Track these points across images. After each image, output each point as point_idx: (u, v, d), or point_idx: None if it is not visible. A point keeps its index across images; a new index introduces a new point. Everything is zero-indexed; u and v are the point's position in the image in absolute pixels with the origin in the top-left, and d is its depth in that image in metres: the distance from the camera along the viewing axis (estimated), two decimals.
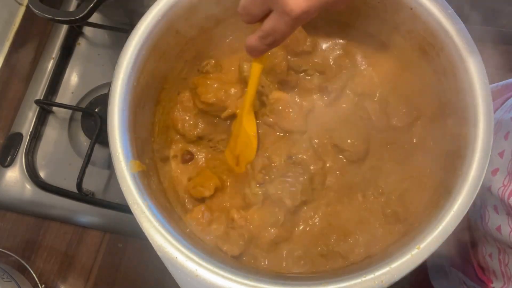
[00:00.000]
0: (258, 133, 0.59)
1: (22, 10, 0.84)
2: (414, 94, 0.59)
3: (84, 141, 0.76)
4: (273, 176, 0.56)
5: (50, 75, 0.78)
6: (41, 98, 0.76)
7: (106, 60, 0.80)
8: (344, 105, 0.60)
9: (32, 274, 0.69)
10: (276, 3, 0.40)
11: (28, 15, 0.83)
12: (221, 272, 0.44)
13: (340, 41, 0.63)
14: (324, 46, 0.63)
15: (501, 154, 0.53)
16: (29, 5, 0.59)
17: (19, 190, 0.73)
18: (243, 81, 0.60)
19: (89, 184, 0.70)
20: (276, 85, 0.59)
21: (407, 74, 0.60)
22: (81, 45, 0.81)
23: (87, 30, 0.82)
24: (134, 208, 0.46)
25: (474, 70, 0.48)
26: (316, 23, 0.62)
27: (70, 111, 0.77)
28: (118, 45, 0.79)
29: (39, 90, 0.77)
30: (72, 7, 0.81)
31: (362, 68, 0.61)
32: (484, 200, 0.55)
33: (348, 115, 0.59)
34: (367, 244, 0.53)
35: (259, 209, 0.55)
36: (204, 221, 0.55)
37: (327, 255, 0.54)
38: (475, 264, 0.59)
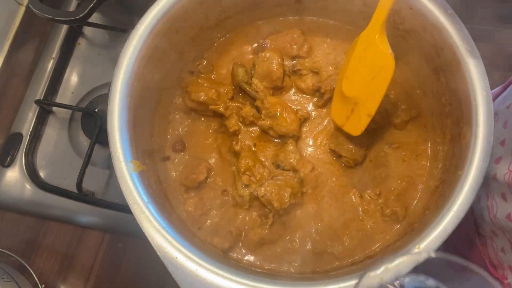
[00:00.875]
0: (250, 144, 0.59)
1: (22, 10, 0.84)
2: (413, 94, 0.59)
3: (84, 141, 0.76)
4: (259, 177, 0.56)
5: (50, 75, 0.78)
6: (41, 98, 0.76)
7: (106, 60, 0.80)
8: None
9: (32, 274, 0.69)
10: None
11: (28, 15, 0.83)
12: (221, 272, 0.44)
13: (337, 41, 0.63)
14: (319, 48, 0.63)
15: (502, 143, 0.52)
16: (29, 5, 0.59)
17: (19, 190, 0.73)
18: (236, 85, 0.60)
19: (89, 184, 0.70)
20: (271, 91, 0.60)
21: (406, 74, 0.60)
22: (81, 45, 0.81)
23: (87, 30, 0.82)
24: (134, 208, 0.46)
25: (474, 70, 0.48)
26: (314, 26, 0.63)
27: (70, 111, 0.77)
28: (118, 45, 0.79)
29: (39, 90, 0.77)
30: (72, 7, 0.81)
31: None
32: (489, 191, 0.55)
33: None
34: (362, 245, 0.53)
35: (246, 210, 0.55)
36: (195, 214, 0.55)
37: (322, 255, 0.54)
38: (488, 263, 0.58)
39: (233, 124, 0.58)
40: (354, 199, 0.56)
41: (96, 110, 0.74)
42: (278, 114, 0.57)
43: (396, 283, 0.30)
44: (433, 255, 0.29)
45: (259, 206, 0.55)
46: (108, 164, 0.73)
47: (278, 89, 0.60)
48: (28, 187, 0.73)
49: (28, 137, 0.74)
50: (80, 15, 0.59)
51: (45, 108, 0.76)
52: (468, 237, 0.61)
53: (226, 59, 0.63)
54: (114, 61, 0.51)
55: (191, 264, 0.44)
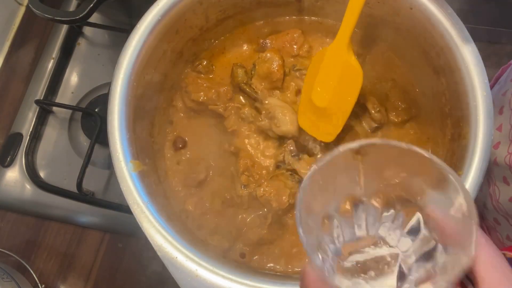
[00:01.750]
0: (248, 144, 0.58)
1: (22, 10, 0.84)
2: (413, 93, 0.59)
3: (84, 141, 0.76)
4: (257, 177, 0.56)
5: (50, 75, 0.78)
6: (41, 98, 0.76)
7: (106, 60, 0.80)
8: None
9: (32, 274, 0.69)
10: None
11: (28, 15, 0.83)
12: (221, 272, 0.44)
13: None
14: (320, 48, 0.63)
15: (499, 128, 0.52)
16: (29, 5, 0.59)
17: (19, 190, 0.73)
18: (236, 86, 0.60)
19: (89, 184, 0.70)
20: (271, 92, 0.60)
21: (406, 73, 0.60)
22: (81, 45, 0.81)
23: (87, 30, 0.82)
24: (134, 208, 0.46)
25: (474, 70, 0.48)
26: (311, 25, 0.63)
27: (70, 111, 0.77)
28: (118, 45, 0.79)
29: (39, 90, 0.77)
30: (72, 7, 0.81)
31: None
32: (490, 177, 0.55)
33: None
34: None
35: (245, 210, 0.55)
36: (195, 213, 0.55)
37: None
38: None
39: (231, 124, 0.58)
40: None
41: (96, 110, 0.74)
42: (278, 115, 0.57)
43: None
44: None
45: (258, 206, 0.55)
46: (108, 164, 0.73)
47: (278, 90, 0.60)
48: (28, 187, 0.73)
49: (28, 137, 0.74)
50: (80, 15, 0.59)
51: (45, 108, 0.76)
52: None
53: (226, 59, 0.63)
54: (114, 61, 0.51)
55: (191, 264, 0.44)
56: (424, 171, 0.29)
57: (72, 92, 0.78)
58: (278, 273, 0.53)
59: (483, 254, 0.27)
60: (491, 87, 0.63)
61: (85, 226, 0.72)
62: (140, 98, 0.53)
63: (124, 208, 0.69)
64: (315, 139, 0.57)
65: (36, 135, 0.75)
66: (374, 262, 0.30)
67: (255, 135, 0.59)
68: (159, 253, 0.44)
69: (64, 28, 0.80)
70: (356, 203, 0.32)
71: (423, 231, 0.30)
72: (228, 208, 0.56)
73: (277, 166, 0.57)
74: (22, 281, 0.66)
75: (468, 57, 0.48)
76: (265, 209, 0.55)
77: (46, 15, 0.59)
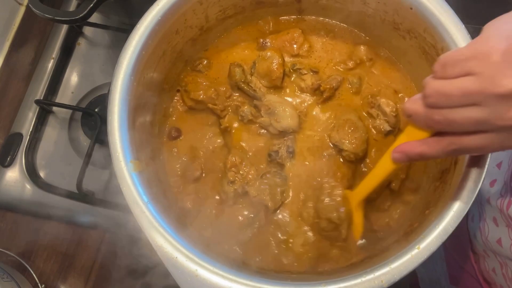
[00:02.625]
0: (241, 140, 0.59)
1: (22, 10, 0.84)
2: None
3: (84, 141, 0.76)
4: (245, 174, 0.56)
5: (50, 75, 0.78)
6: (41, 98, 0.76)
7: (106, 60, 0.80)
8: (339, 105, 0.60)
9: (32, 274, 0.69)
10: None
11: (28, 15, 0.83)
12: (221, 272, 0.44)
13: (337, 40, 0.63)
14: (319, 48, 0.63)
15: (499, 165, 0.52)
16: (29, 5, 0.59)
17: (19, 190, 0.73)
18: (234, 85, 0.60)
19: (89, 184, 0.70)
20: (270, 90, 0.60)
21: (406, 74, 0.60)
22: (81, 45, 0.81)
23: (87, 30, 0.82)
24: (134, 208, 0.46)
25: None
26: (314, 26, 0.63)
27: (70, 111, 0.77)
28: (118, 45, 0.79)
29: (39, 90, 0.77)
30: (72, 7, 0.81)
31: (357, 68, 0.62)
32: (482, 212, 0.55)
33: (344, 114, 0.59)
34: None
35: (230, 207, 0.56)
36: (193, 210, 0.56)
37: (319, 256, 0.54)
38: (481, 279, 0.58)
39: (225, 121, 0.59)
40: None
41: (96, 110, 0.74)
42: (278, 111, 0.57)
43: None
44: None
45: (244, 204, 0.55)
46: (108, 164, 0.73)
47: (277, 88, 0.60)
48: (28, 187, 0.73)
49: (28, 137, 0.75)
50: (80, 15, 0.59)
51: (45, 108, 0.76)
52: (463, 251, 0.60)
53: (226, 59, 0.63)
54: (114, 61, 0.51)
55: (191, 264, 0.44)
56: None
57: (72, 92, 0.78)
58: (278, 273, 0.53)
59: None
60: None
61: (85, 226, 0.72)
62: (140, 98, 0.53)
63: (124, 208, 0.69)
64: None
65: (36, 135, 0.75)
66: None
67: (249, 131, 0.59)
68: (159, 253, 0.44)
69: (64, 28, 0.80)
70: None
71: None
72: (218, 205, 0.57)
73: (269, 155, 0.57)
74: (22, 281, 0.66)
75: None
76: (255, 210, 0.55)
77: (46, 15, 0.59)
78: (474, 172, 0.45)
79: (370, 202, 0.55)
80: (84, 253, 0.71)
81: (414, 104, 0.37)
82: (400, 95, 0.60)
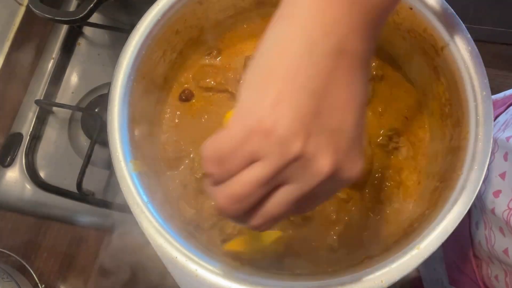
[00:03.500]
0: None
1: (22, 10, 0.84)
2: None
3: (84, 141, 0.76)
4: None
5: (50, 75, 0.78)
6: (41, 98, 0.76)
7: (106, 60, 0.80)
8: None
9: (32, 274, 0.69)
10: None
11: (28, 15, 0.83)
12: (221, 272, 0.44)
13: None
14: None
15: (502, 176, 0.52)
16: (29, 5, 0.59)
17: (19, 190, 0.73)
18: None
19: (89, 184, 0.70)
20: None
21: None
22: (81, 45, 0.81)
23: (87, 30, 0.82)
24: (134, 208, 0.46)
25: (474, 70, 0.48)
26: None
27: (70, 111, 0.77)
28: (118, 45, 0.79)
29: (39, 90, 0.77)
30: (72, 7, 0.81)
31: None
32: (487, 221, 0.54)
33: None
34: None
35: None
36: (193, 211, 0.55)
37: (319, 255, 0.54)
38: (481, 285, 0.57)
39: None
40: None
41: (96, 110, 0.74)
42: None
43: None
44: None
45: None
46: (108, 164, 0.73)
47: None
48: (28, 187, 0.73)
49: (28, 137, 0.75)
50: (80, 15, 0.59)
51: (45, 108, 0.76)
52: (464, 255, 0.60)
53: (226, 59, 0.63)
54: (114, 61, 0.51)
55: (191, 264, 0.44)
56: None
57: (72, 92, 0.78)
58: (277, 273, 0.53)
59: None
60: (498, 114, 0.61)
61: (85, 226, 0.72)
62: (140, 98, 0.53)
63: (124, 208, 0.69)
64: None
65: (36, 135, 0.75)
66: None
67: None
68: (159, 253, 0.44)
69: (64, 28, 0.80)
70: None
71: None
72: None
73: None
74: (22, 281, 0.66)
75: (468, 57, 0.48)
76: None
77: (46, 15, 0.59)
78: (474, 173, 0.45)
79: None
80: (84, 253, 0.71)
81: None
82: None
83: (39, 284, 0.69)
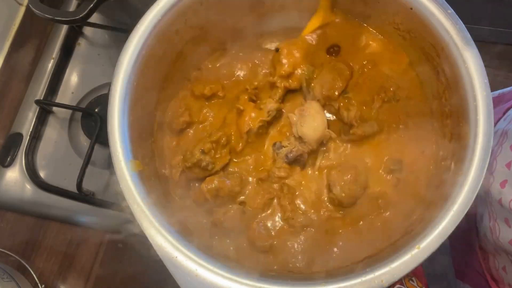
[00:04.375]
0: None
1: (22, 10, 0.84)
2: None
3: (84, 141, 0.76)
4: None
5: (50, 75, 0.78)
6: (41, 98, 0.76)
7: (106, 60, 0.80)
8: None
9: (32, 274, 0.69)
10: None
11: (28, 15, 0.83)
12: (221, 272, 0.44)
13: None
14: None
15: (508, 165, 0.52)
16: (29, 5, 0.59)
17: (19, 190, 0.73)
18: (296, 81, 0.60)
19: (89, 184, 0.70)
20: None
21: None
22: (81, 45, 0.81)
23: (87, 30, 0.82)
24: (134, 208, 0.46)
25: (474, 70, 0.48)
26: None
27: (70, 111, 0.77)
28: (118, 45, 0.79)
29: (39, 90, 0.77)
30: (72, 7, 0.81)
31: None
32: (493, 212, 0.54)
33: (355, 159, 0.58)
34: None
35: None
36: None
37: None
38: (488, 277, 0.57)
39: (242, 103, 0.58)
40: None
41: (96, 110, 0.75)
42: (308, 116, 0.56)
43: None
44: None
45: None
46: (108, 164, 0.73)
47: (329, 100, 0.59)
48: (28, 187, 0.73)
49: (28, 137, 0.75)
50: (80, 15, 0.59)
51: (45, 108, 0.76)
52: (470, 248, 0.60)
53: (227, 59, 0.63)
54: (114, 61, 0.51)
55: (191, 264, 0.44)
56: None
57: (72, 92, 0.78)
58: (278, 273, 0.53)
59: None
60: (509, 107, 0.61)
61: (85, 226, 0.72)
62: (140, 98, 0.53)
63: (124, 208, 0.69)
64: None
65: (36, 135, 0.75)
66: None
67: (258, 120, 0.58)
68: (159, 253, 0.44)
69: (64, 28, 0.80)
70: None
71: None
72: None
73: (274, 144, 0.58)
74: (22, 281, 0.66)
75: (468, 57, 0.48)
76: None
77: (46, 15, 0.59)
78: (474, 173, 0.45)
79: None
80: (84, 253, 0.71)
81: None
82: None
83: (39, 284, 0.69)
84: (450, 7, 0.50)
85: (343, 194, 0.54)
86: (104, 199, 0.71)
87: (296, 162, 0.57)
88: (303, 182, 0.57)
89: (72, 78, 0.79)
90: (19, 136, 0.75)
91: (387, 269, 0.42)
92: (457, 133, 0.50)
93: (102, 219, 0.71)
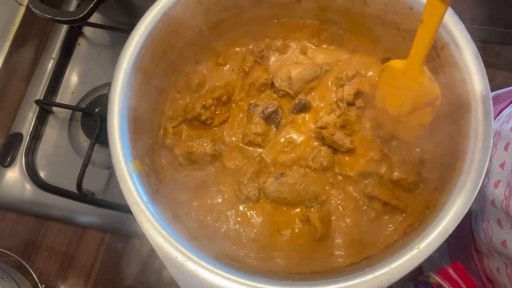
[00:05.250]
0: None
1: (22, 10, 0.84)
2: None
3: (84, 141, 0.76)
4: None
5: (50, 75, 0.78)
6: (41, 98, 0.76)
7: (106, 60, 0.80)
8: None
9: (32, 274, 0.69)
10: None
11: (28, 15, 0.83)
12: (221, 272, 0.44)
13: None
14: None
15: (502, 166, 0.52)
16: (29, 5, 0.59)
17: (19, 190, 0.73)
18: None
19: (89, 184, 0.70)
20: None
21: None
22: (81, 45, 0.81)
23: (87, 30, 0.82)
24: (134, 208, 0.46)
25: (474, 70, 0.48)
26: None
27: (70, 111, 0.77)
28: (118, 45, 0.79)
29: (39, 90, 0.77)
30: (72, 7, 0.81)
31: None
32: (486, 213, 0.54)
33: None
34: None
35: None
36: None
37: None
38: (484, 278, 0.58)
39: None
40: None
41: (96, 110, 0.75)
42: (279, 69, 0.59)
43: None
44: None
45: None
46: (108, 164, 0.73)
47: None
48: (28, 187, 0.73)
49: (28, 137, 0.75)
50: (80, 15, 0.59)
51: (45, 108, 0.76)
52: (466, 250, 0.60)
53: (227, 59, 0.63)
54: (114, 61, 0.51)
55: (191, 264, 0.44)
56: None
57: (72, 92, 0.78)
58: (278, 273, 0.53)
59: None
60: (504, 107, 0.62)
61: (85, 226, 0.72)
62: (140, 98, 0.53)
63: (124, 208, 0.69)
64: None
65: (36, 135, 0.75)
66: None
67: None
68: (159, 253, 0.44)
69: (64, 28, 0.80)
70: None
71: None
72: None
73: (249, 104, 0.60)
74: (22, 281, 0.66)
75: (468, 57, 0.48)
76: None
77: (46, 15, 0.59)
78: (474, 173, 0.45)
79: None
80: (84, 253, 0.71)
81: None
82: None
83: (39, 284, 0.69)
84: (450, 7, 0.50)
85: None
86: (104, 199, 0.71)
87: (271, 121, 0.59)
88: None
89: (72, 78, 0.79)
90: (19, 136, 0.75)
91: (387, 269, 0.42)
92: (457, 133, 0.50)
93: (102, 219, 0.71)
